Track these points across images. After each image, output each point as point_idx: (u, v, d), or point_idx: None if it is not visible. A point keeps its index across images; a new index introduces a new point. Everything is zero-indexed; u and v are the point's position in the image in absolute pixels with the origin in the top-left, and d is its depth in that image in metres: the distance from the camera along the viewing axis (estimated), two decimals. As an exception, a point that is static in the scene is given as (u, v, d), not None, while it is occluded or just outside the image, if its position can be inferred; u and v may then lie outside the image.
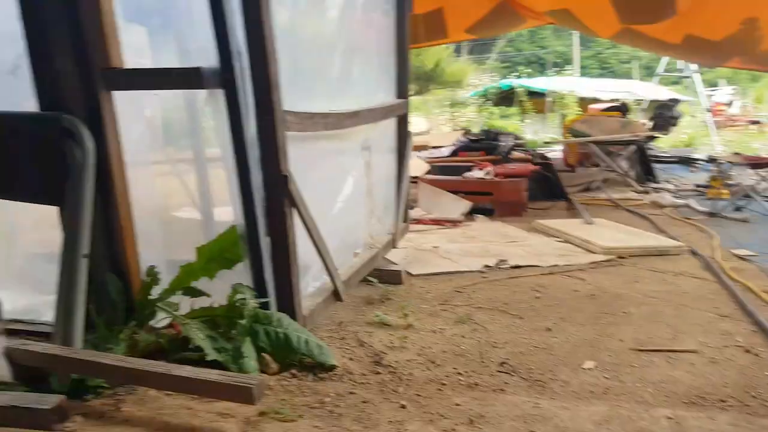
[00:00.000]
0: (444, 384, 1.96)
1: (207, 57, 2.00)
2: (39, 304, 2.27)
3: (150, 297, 2.07)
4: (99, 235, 2.05)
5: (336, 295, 2.59)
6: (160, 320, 2.13)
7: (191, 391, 1.68)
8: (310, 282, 2.56)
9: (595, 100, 13.82)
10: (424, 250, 3.78)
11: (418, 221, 4.70)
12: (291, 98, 2.20)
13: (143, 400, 1.77)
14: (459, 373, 2.04)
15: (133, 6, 2.29)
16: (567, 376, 2.05)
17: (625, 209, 5.32)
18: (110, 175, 2.07)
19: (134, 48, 2.28)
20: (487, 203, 5.25)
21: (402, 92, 3.75)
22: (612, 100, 13.55)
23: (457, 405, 1.81)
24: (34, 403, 1.48)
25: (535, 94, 15.53)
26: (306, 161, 2.42)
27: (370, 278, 2.92)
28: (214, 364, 1.91)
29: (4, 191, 2.06)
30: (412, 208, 4.99)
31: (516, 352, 2.24)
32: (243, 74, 1.99)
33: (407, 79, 3.80)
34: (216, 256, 2.14)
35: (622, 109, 9.01)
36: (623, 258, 3.63)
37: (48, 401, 1.49)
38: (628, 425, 1.72)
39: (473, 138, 8.13)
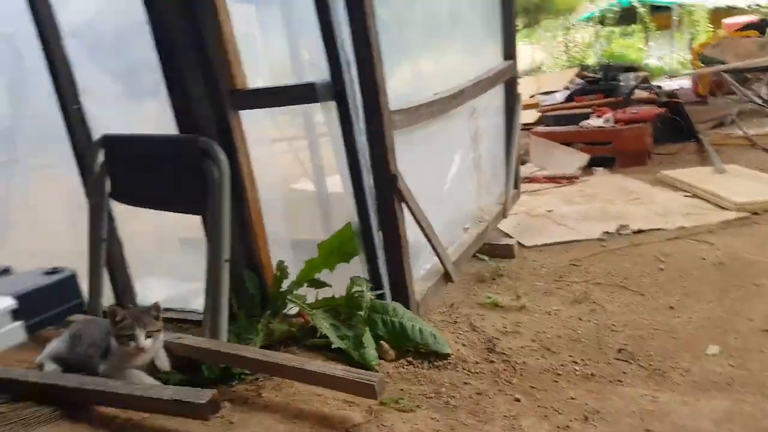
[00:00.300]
0: (559, 374, 1.98)
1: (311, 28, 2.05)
2: (186, 293, 2.56)
3: (281, 289, 2.27)
4: (235, 236, 2.25)
5: (447, 276, 2.66)
6: (290, 309, 2.32)
7: (320, 384, 1.85)
8: (422, 265, 2.65)
9: (730, 11, 12.29)
10: (537, 216, 3.72)
11: (530, 179, 4.60)
12: (395, 76, 2.24)
13: (280, 386, 1.97)
14: (575, 362, 2.06)
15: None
16: (689, 363, 2.00)
17: (763, 148, 4.81)
18: (242, 185, 2.27)
19: (243, 18, 2.40)
20: (606, 153, 4.99)
21: (509, 52, 3.62)
22: (749, 8, 11.94)
23: (572, 399, 1.84)
24: (193, 398, 1.72)
25: (658, 9, 14.04)
26: (412, 152, 2.47)
27: (480, 255, 2.95)
28: (339, 351, 2.09)
29: (157, 203, 2.33)
30: (523, 163, 4.88)
31: (635, 336, 2.20)
32: (353, 84, 2.08)
33: (514, 35, 3.65)
34: (335, 250, 2.29)
35: (762, 25, 7.98)
36: (758, 214, 3.34)
37: (204, 396, 1.72)
38: (750, 424, 1.66)
39: (589, 79, 7.64)
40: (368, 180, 2.19)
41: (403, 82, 2.57)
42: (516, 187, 3.76)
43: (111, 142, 2.33)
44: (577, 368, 2.01)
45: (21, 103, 2.94)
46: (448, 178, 2.99)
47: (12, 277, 0.51)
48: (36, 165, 3.08)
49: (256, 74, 2.48)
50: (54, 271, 0.55)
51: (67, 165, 2.58)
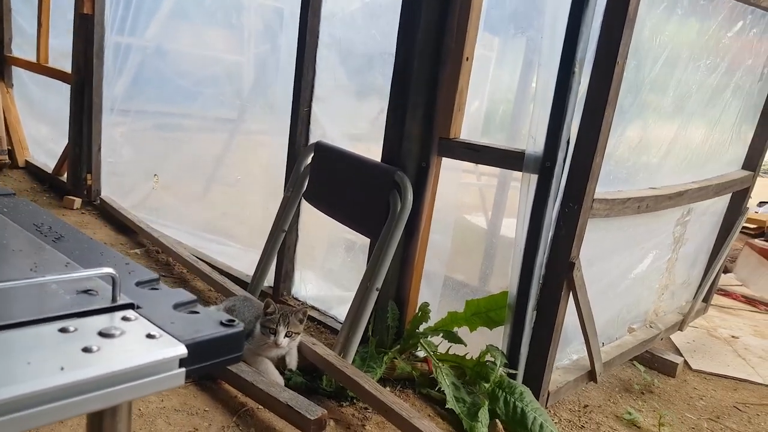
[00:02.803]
0: None
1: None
2: (333, 299, 2.67)
3: (417, 330, 2.27)
4: (394, 266, 2.32)
5: (591, 374, 2.43)
6: (419, 351, 2.30)
7: (422, 443, 1.79)
8: (569, 354, 2.49)
9: None
10: (718, 338, 3.24)
11: (725, 293, 3.99)
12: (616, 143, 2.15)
13: (383, 424, 2.00)
14: None
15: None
16: None
17: None
18: (418, 225, 2.32)
19: (482, 43, 2.44)
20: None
21: (752, 163, 3.17)
22: None
23: None
24: (304, 410, 1.82)
25: None
26: (600, 241, 2.33)
27: (637, 363, 2.63)
28: (451, 412, 2.04)
29: (339, 215, 2.47)
30: (726, 271, 4.25)
31: None
32: (564, 163, 2.00)
33: (765, 147, 3.16)
34: (482, 311, 2.24)
35: None
36: None
37: (314, 412, 1.80)
38: None
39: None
40: (542, 258, 2.10)
41: (623, 150, 2.40)
42: (706, 300, 3.29)
43: (321, 149, 2.52)
44: None
45: (264, 71, 3.23)
46: (630, 275, 2.71)
47: (191, 317, 0.55)
48: (255, 129, 3.37)
49: (469, 118, 2.50)
50: (230, 323, 0.60)
51: (278, 137, 2.79)
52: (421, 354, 2.32)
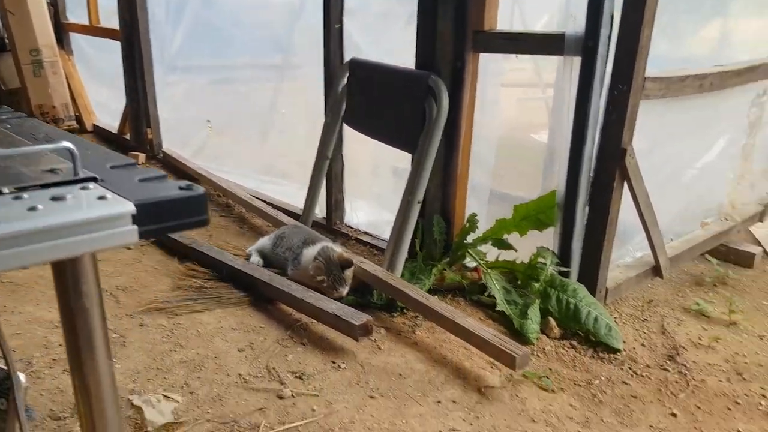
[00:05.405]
0: (738, 403, 1.75)
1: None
2: (384, 222, 2.72)
3: (465, 241, 2.29)
4: (437, 180, 2.33)
5: (656, 270, 2.36)
6: (468, 262, 2.33)
7: (467, 340, 1.91)
8: (632, 251, 2.44)
9: None
10: (808, 227, 2.96)
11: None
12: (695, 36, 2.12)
13: (433, 329, 2.09)
14: (764, 396, 1.77)
15: None
16: None
17: None
18: (458, 130, 2.29)
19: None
20: None
21: None
22: None
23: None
24: (350, 318, 1.93)
25: None
26: (658, 128, 2.24)
27: (709, 257, 2.49)
28: (502, 314, 2.09)
29: (378, 134, 2.47)
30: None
31: None
32: (608, 41, 1.89)
33: None
34: (531, 215, 2.24)
35: None
36: None
37: (359, 318, 1.89)
38: None
39: None
40: (590, 149, 2.03)
41: (705, 45, 2.17)
42: (792, 187, 3.01)
43: (356, 66, 2.49)
44: (762, 403, 1.73)
45: (304, 4, 3.12)
46: (697, 164, 2.53)
47: (151, 185, 0.61)
48: (297, 63, 3.27)
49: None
50: (188, 187, 0.64)
51: (317, 66, 2.74)
52: (471, 264, 2.35)
